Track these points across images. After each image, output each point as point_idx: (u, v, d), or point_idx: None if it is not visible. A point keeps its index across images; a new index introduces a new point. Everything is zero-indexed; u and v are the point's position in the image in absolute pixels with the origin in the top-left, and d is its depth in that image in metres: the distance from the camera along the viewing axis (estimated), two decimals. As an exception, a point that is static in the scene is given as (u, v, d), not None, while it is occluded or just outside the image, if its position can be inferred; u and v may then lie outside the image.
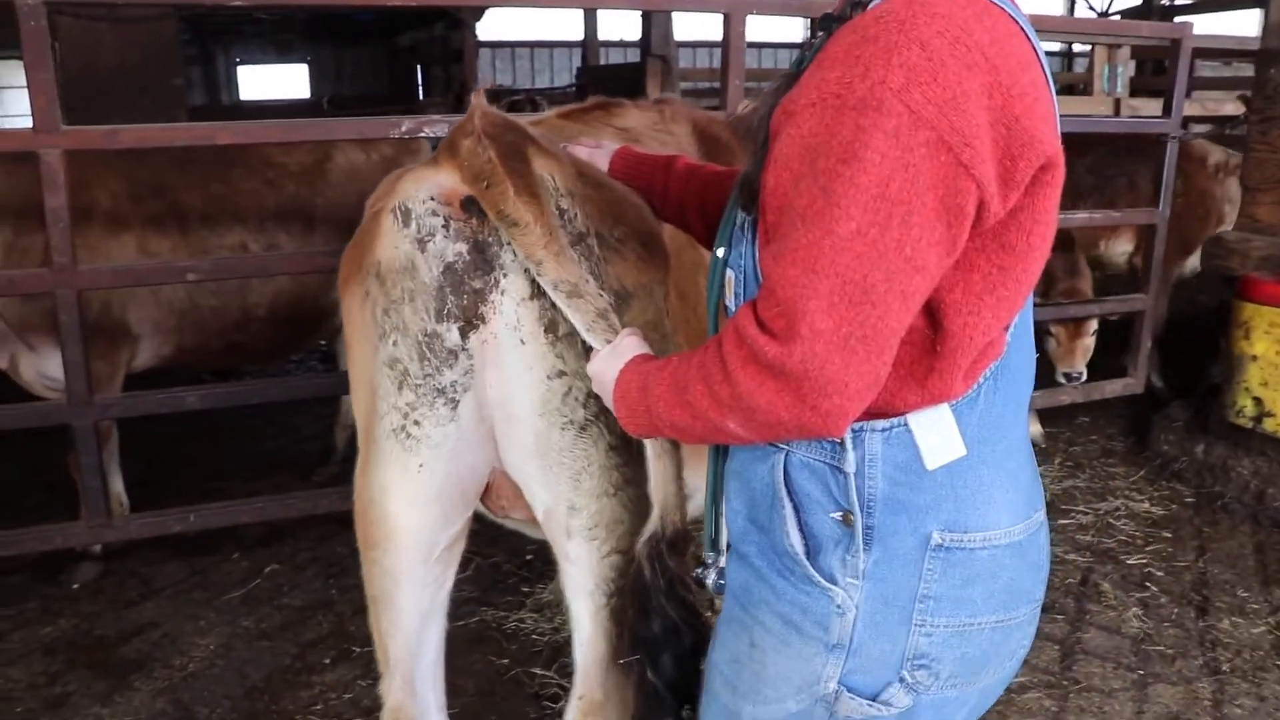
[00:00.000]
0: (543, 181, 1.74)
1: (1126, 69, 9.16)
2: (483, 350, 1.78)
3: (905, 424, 1.32)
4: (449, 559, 2.02)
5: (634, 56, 12.09)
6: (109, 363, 3.99)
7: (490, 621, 3.67)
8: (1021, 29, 1.25)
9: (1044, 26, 5.12)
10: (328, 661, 3.45)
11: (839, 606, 1.36)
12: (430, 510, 1.91)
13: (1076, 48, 20.29)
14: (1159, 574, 4.09)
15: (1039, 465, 5.10)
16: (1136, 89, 9.65)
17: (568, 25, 21.40)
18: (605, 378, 1.55)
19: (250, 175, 4.25)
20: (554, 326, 1.75)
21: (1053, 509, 4.67)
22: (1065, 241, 5.30)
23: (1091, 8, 19.12)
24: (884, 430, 1.33)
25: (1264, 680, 3.37)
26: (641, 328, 1.81)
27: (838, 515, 1.35)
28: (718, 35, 4.04)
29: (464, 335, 1.76)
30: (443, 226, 1.74)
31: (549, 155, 1.80)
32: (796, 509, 1.39)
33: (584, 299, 1.64)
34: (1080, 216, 5.08)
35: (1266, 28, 5.13)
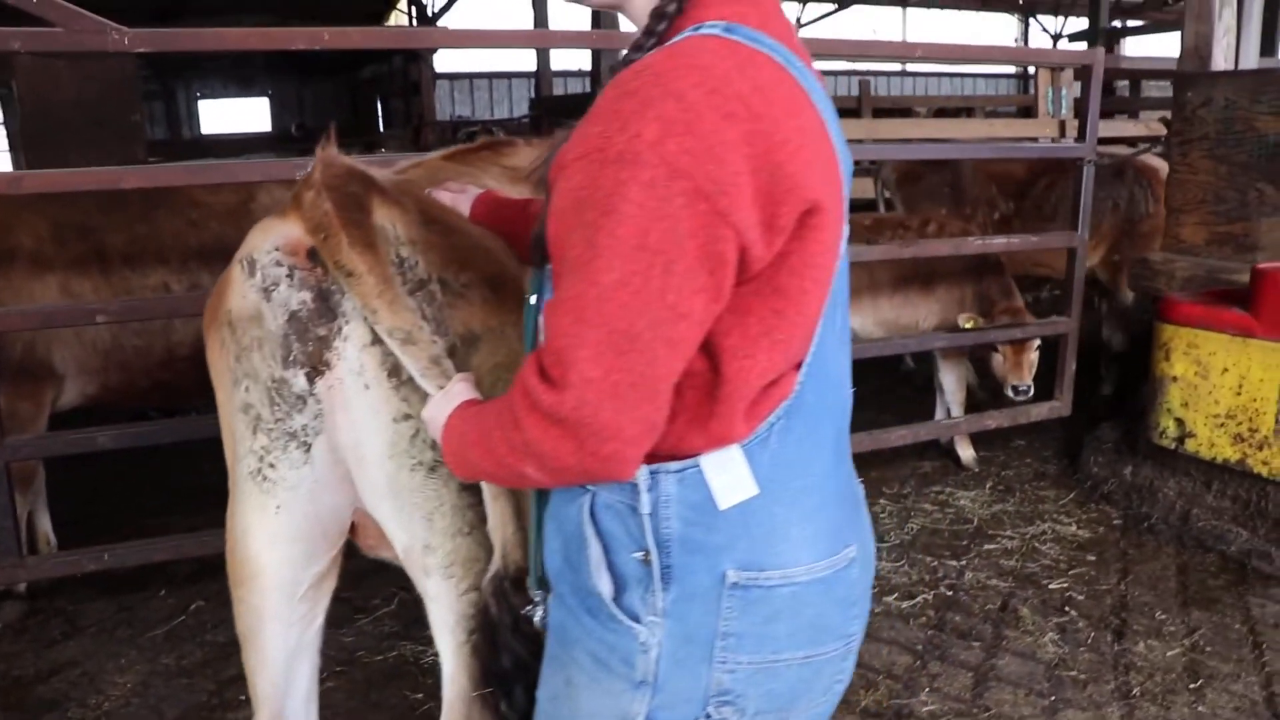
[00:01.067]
0: (382, 231, 1.78)
1: (1070, 91, 9.33)
2: (330, 395, 1.81)
3: (698, 465, 1.36)
4: (316, 597, 2.05)
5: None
6: (33, 404, 3.99)
7: (408, 656, 3.68)
8: (793, 77, 1.30)
9: (966, 56, 5.22)
10: (244, 698, 3.44)
11: (643, 644, 1.39)
12: (291, 550, 1.94)
13: (1032, 71, 20.61)
14: (1079, 598, 4.12)
15: (970, 490, 5.19)
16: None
17: (523, 57, 21.55)
18: (437, 422, 1.58)
19: (174, 215, 4.27)
20: (397, 371, 1.78)
21: (979, 534, 4.72)
22: (995, 265, 5.39)
23: (1045, 30, 19.45)
24: (677, 472, 1.36)
25: (1173, 704, 3.40)
26: (493, 369, 1.86)
27: (639, 555, 1.39)
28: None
29: (311, 380, 1.80)
30: (286, 276, 1.78)
31: (393, 204, 1.84)
32: (605, 549, 1.42)
33: (417, 346, 1.68)
34: (999, 241, 5.16)
35: (1182, 52, 5.24)
